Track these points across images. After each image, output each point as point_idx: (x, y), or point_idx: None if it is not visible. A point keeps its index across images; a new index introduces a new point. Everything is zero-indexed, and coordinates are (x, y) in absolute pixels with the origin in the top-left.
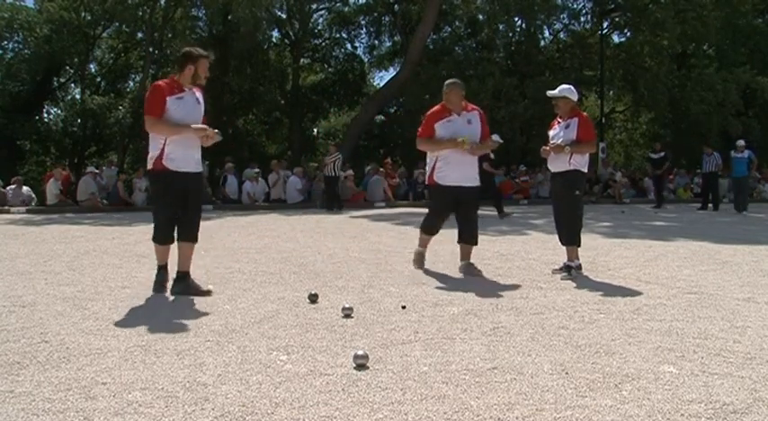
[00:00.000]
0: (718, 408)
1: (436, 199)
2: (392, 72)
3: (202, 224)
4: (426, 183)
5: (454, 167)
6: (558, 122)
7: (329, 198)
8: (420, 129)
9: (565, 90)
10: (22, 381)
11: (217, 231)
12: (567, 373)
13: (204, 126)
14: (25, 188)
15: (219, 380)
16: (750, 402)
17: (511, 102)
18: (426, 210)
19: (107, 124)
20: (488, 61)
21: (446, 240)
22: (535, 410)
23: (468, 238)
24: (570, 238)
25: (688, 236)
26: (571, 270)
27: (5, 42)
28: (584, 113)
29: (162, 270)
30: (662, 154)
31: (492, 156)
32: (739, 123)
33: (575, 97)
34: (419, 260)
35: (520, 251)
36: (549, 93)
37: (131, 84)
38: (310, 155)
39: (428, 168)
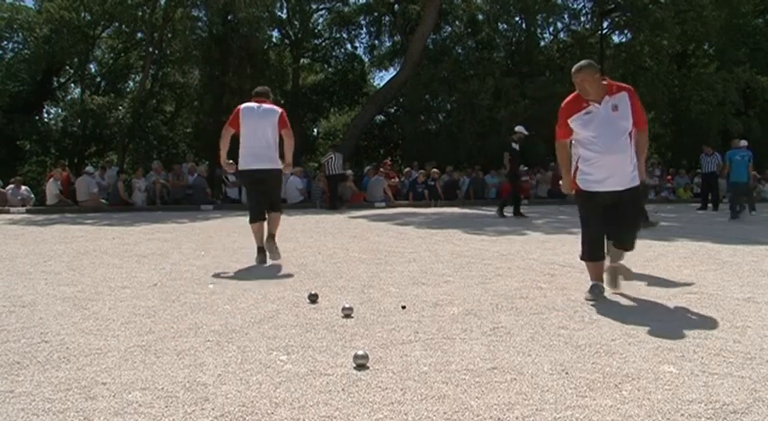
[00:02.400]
0: (718, 408)
1: (581, 207)
2: (392, 72)
3: (202, 224)
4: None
5: (601, 167)
6: None
7: (330, 197)
8: (556, 130)
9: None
10: (22, 381)
11: (217, 231)
12: (566, 373)
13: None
14: (24, 188)
15: (219, 380)
16: (750, 402)
17: (511, 102)
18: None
19: (107, 124)
20: (488, 61)
21: (445, 240)
22: (535, 410)
23: (622, 237)
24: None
25: (688, 236)
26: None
27: (5, 42)
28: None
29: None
30: None
31: (515, 146)
32: (740, 123)
33: None
34: (598, 294)
35: (520, 251)
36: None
37: (131, 84)
38: (310, 155)
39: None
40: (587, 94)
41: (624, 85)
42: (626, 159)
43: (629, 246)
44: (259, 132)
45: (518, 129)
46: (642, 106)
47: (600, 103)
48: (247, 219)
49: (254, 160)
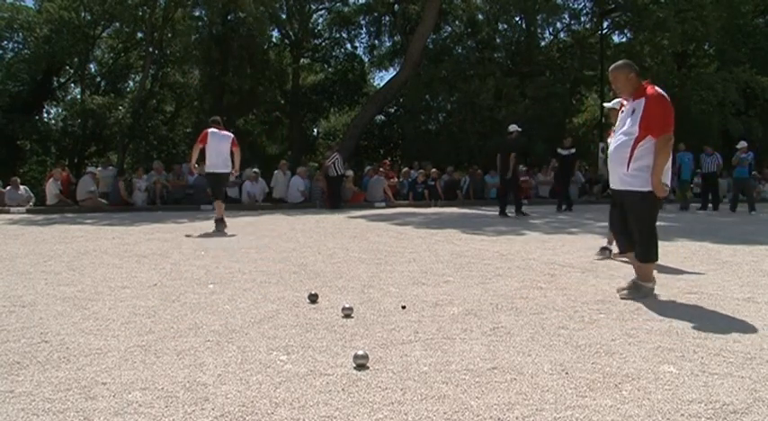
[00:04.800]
0: (718, 408)
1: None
2: (392, 72)
3: (202, 224)
4: None
5: (609, 164)
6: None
7: (332, 197)
8: None
9: (617, 102)
10: (22, 381)
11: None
12: (566, 373)
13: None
14: (23, 187)
15: (219, 380)
16: (750, 402)
17: (512, 102)
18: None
19: (107, 124)
20: (489, 61)
21: (445, 240)
22: (535, 410)
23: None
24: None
25: (688, 236)
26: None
27: (5, 42)
28: None
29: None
30: (572, 150)
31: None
32: (740, 123)
33: None
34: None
35: (520, 251)
36: (606, 105)
37: (131, 84)
38: (310, 155)
39: None
40: (618, 92)
41: (652, 90)
42: (617, 159)
43: (638, 257)
44: (221, 149)
45: (513, 127)
46: (663, 114)
47: (628, 104)
48: (248, 218)
49: (217, 166)
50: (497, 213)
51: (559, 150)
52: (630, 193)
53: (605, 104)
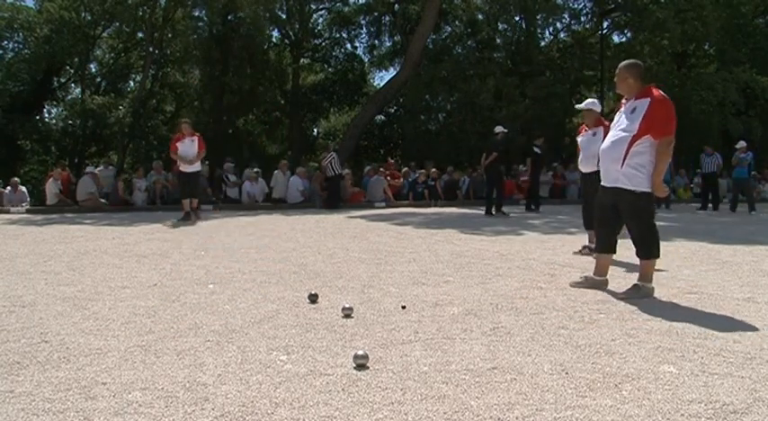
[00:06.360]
0: (718, 408)
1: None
2: (392, 72)
3: (202, 224)
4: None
5: (601, 160)
6: (586, 130)
7: (330, 197)
8: None
9: (590, 103)
10: (22, 381)
11: (217, 231)
12: (566, 373)
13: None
14: (21, 188)
15: (219, 380)
16: (750, 402)
17: (512, 102)
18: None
19: (107, 124)
20: (489, 61)
21: (445, 240)
22: (535, 410)
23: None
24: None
25: (688, 236)
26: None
27: (5, 42)
28: (607, 122)
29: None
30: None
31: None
32: (740, 123)
33: (598, 108)
34: (581, 285)
35: (520, 251)
36: (578, 106)
37: (131, 84)
38: (310, 155)
39: None
40: (623, 92)
41: (657, 93)
42: (612, 156)
43: (640, 255)
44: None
45: (499, 129)
46: (666, 117)
47: (628, 102)
48: (247, 218)
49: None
50: (494, 213)
51: (537, 149)
52: (627, 193)
53: (578, 106)
